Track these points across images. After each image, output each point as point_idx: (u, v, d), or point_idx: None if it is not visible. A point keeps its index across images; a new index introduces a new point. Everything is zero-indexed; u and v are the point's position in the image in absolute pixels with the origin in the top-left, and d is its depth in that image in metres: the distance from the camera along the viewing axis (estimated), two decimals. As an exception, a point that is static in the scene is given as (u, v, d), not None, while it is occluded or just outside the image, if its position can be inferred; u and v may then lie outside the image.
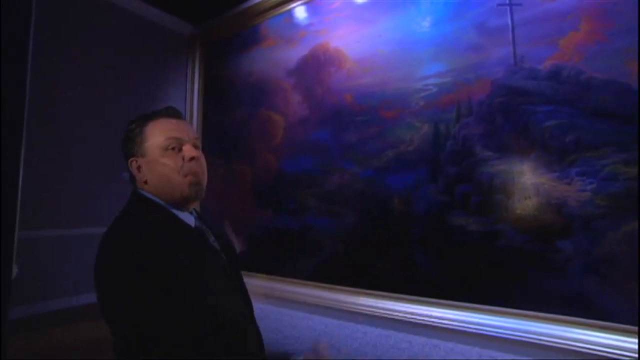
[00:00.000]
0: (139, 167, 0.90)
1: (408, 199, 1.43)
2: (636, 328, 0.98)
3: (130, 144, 0.91)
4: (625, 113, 1.04)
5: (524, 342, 1.13)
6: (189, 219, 0.92)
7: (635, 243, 1.01)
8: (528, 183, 1.19)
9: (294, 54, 1.85)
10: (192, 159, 0.89)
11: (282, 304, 1.71)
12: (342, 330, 1.51)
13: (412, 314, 1.36)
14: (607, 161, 1.06)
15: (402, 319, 1.37)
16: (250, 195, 1.98)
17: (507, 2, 1.26)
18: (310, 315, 1.61)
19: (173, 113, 0.95)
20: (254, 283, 1.84)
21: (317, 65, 1.75)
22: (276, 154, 1.88)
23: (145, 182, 0.89)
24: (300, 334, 1.61)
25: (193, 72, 2.35)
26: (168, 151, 0.88)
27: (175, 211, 0.90)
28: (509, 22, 1.25)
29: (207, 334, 0.74)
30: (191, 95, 2.34)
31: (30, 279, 1.52)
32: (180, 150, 0.89)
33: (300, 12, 1.86)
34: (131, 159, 0.91)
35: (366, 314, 1.46)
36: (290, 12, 1.89)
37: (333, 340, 1.51)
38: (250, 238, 1.95)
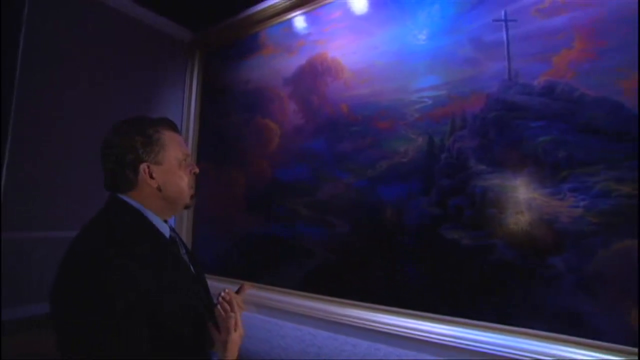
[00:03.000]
0: (150, 174, 0.89)
1: (401, 211, 1.42)
2: (627, 348, 0.97)
3: (145, 149, 0.89)
4: (617, 131, 1.05)
5: (514, 359, 1.11)
6: (165, 229, 0.92)
7: (627, 261, 1.00)
8: (521, 198, 1.18)
9: (292, 63, 1.86)
10: (196, 173, 0.98)
11: (271, 314, 1.69)
12: (331, 342, 1.49)
13: (402, 327, 1.34)
14: (599, 178, 1.06)
15: (392, 332, 1.35)
16: (243, 201, 1.96)
17: (503, 17, 1.28)
18: (299, 326, 1.58)
19: (175, 126, 1.00)
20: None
21: (314, 74, 1.76)
22: (270, 161, 1.88)
23: (159, 189, 0.89)
24: (288, 344, 1.58)
25: (191, 78, 2.36)
26: (182, 164, 0.94)
27: (155, 222, 0.90)
28: (504, 37, 1.26)
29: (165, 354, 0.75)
30: (189, 100, 2.34)
31: (26, 280, 1.52)
32: (187, 165, 0.96)
33: (299, 22, 1.87)
34: (144, 164, 0.88)
35: (356, 326, 1.44)
36: (289, 22, 1.91)
37: (321, 351, 1.49)
38: (240, 245, 1.93)
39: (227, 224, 2.02)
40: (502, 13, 1.28)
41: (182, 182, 0.93)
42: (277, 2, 1.92)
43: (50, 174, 1.71)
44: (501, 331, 1.16)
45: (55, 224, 1.68)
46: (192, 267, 0.97)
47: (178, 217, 2.18)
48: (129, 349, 0.70)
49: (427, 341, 1.28)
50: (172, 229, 0.97)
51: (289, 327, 1.60)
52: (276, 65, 1.93)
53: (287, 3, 1.88)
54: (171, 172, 0.91)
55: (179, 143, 0.96)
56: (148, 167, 0.89)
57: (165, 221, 0.94)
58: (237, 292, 1.02)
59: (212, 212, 2.10)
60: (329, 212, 1.63)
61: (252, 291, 1.80)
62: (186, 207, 0.97)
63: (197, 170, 0.98)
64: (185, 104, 2.35)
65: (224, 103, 2.18)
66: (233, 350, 0.82)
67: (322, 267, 1.62)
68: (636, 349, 0.95)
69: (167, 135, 0.93)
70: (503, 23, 1.27)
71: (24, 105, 1.59)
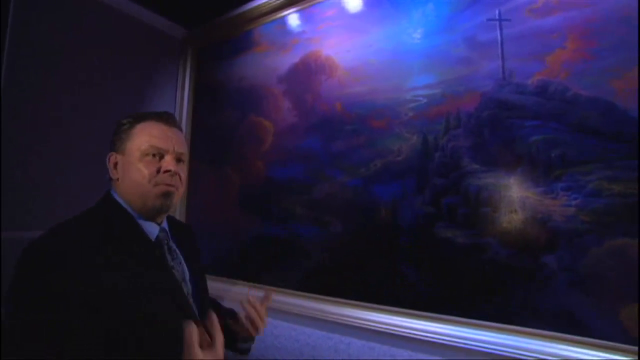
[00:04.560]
0: (115, 164, 0.87)
1: (395, 210, 1.42)
2: (627, 347, 0.97)
3: (116, 138, 0.89)
4: (610, 131, 1.06)
5: (508, 357, 1.12)
6: (152, 229, 0.87)
7: (618, 260, 1.01)
8: (514, 197, 1.19)
9: (286, 60, 1.85)
10: (167, 171, 0.85)
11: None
12: (325, 342, 1.48)
13: (396, 326, 1.34)
14: (592, 177, 1.07)
15: (387, 331, 1.35)
16: (237, 201, 1.95)
17: (497, 17, 1.28)
18: (294, 326, 1.58)
19: (168, 119, 0.91)
20: (238, 291, 1.81)
21: (308, 72, 1.75)
22: (264, 160, 1.87)
23: (118, 180, 0.87)
24: (282, 344, 1.58)
25: (184, 75, 2.33)
26: (147, 157, 0.85)
27: (139, 220, 0.86)
28: (498, 36, 1.27)
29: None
30: (181, 98, 2.32)
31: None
32: (160, 158, 0.86)
33: (293, 20, 1.86)
34: (110, 153, 0.88)
35: (350, 325, 1.44)
36: (283, 19, 1.89)
37: (316, 351, 1.49)
38: (235, 245, 1.92)
39: (220, 223, 2.00)
40: (496, 12, 1.28)
41: (138, 176, 0.83)
42: (271, 0, 1.90)
43: (50, 173, 1.69)
44: (496, 329, 1.16)
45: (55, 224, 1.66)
46: (186, 271, 0.92)
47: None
48: (77, 349, 0.66)
49: (421, 340, 1.28)
50: (165, 230, 0.92)
51: (284, 326, 1.60)
52: (270, 63, 1.92)
53: (281, 1, 1.87)
54: (129, 162, 0.84)
55: (152, 134, 0.86)
56: (114, 156, 0.87)
57: (159, 222, 0.90)
58: (262, 301, 0.98)
59: (205, 211, 2.08)
60: (323, 211, 1.62)
61: (246, 290, 1.79)
62: (154, 207, 0.85)
63: (168, 167, 0.85)
64: (178, 101, 2.32)
65: (217, 101, 2.16)
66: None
67: (316, 267, 1.61)
68: (636, 348, 0.96)
69: (142, 126, 0.87)
70: (497, 22, 1.28)
71: (22, 105, 1.58)
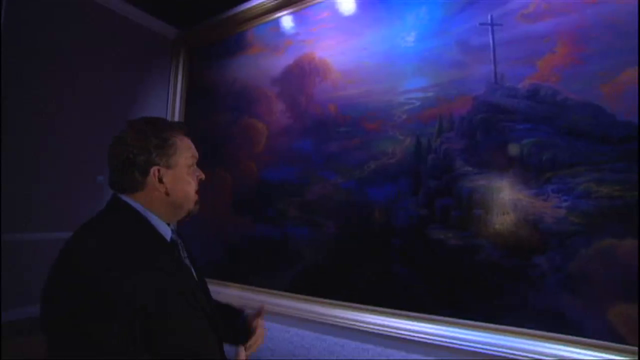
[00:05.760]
0: (160, 178, 0.87)
1: (389, 211, 1.43)
2: (628, 347, 0.99)
3: (160, 153, 0.87)
4: (598, 134, 1.08)
5: (502, 357, 1.13)
6: (166, 232, 0.90)
7: (607, 260, 1.04)
8: (506, 199, 1.21)
9: (279, 62, 1.85)
10: (201, 180, 0.97)
11: (258, 315, 1.67)
12: (319, 343, 1.48)
13: (390, 327, 1.35)
14: (581, 179, 1.09)
15: (381, 332, 1.36)
16: (230, 202, 1.94)
17: (489, 22, 1.30)
18: (287, 328, 1.58)
19: (189, 130, 1.00)
20: (230, 293, 1.80)
21: (301, 74, 1.75)
22: (258, 161, 1.86)
23: (166, 194, 0.88)
24: (276, 346, 1.57)
25: (176, 76, 2.31)
26: (190, 169, 0.94)
27: (156, 224, 0.88)
28: (490, 41, 1.29)
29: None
30: (173, 98, 2.30)
31: (27, 282, 1.47)
32: (194, 170, 0.96)
33: (287, 22, 1.86)
34: (155, 168, 0.86)
35: (344, 327, 1.44)
36: (277, 21, 1.89)
37: (310, 353, 1.49)
38: (227, 247, 1.91)
39: (213, 225, 1.99)
40: (489, 17, 1.30)
41: (189, 188, 0.93)
42: (264, 1, 1.91)
43: (49, 174, 1.67)
44: (489, 330, 1.18)
45: (56, 225, 1.64)
46: (194, 272, 0.95)
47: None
48: (108, 350, 0.67)
49: (415, 341, 1.29)
50: (174, 232, 0.94)
51: (277, 328, 1.59)
52: (263, 65, 1.91)
53: (275, 2, 1.87)
54: (180, 177, 0.91)
55: (190, 147, 0.96)
56: (158, 170, 0.87)
57: (168, 224, 0.92)
58: (255, 315, 1.07)
59: (198, 213, 2.06)
60: (317, 212, 1.62)
61: (239, 293, 1.78)
62: (189, 213, 0.95)
63: (202, 176, 0.98)
64: (170, 103, 2.30)
65: (209, 102, 2.15)
66: None
67: (310, 268, 1.61)
68: (636, 348, 0.98)
69: (180, 140, 0.93)
70: (489, 27, 1.30)
71: (21, 105, 1.58)
